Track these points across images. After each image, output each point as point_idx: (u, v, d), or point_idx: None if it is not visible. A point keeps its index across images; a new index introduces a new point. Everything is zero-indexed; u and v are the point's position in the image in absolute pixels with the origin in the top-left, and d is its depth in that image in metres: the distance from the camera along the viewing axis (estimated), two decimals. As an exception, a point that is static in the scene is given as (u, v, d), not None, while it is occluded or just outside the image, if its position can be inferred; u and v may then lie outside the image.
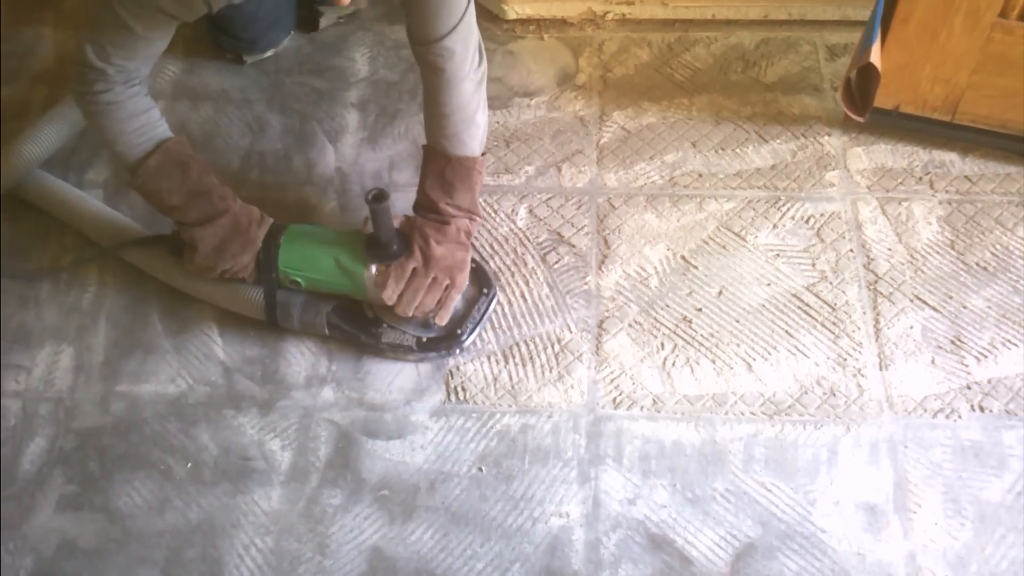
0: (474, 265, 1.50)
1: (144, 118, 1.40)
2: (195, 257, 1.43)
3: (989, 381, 1.41)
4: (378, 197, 1.33)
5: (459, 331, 1.47)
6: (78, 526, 1.36)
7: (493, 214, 1.63)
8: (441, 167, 1.45)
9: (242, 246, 1.43)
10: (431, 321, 1.44)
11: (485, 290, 1.51)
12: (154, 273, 1.56)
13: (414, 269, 1.41)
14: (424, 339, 1.47)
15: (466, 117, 1.43)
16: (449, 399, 1.44)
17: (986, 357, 1.43)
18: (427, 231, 1.42)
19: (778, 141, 1.69)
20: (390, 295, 1.40)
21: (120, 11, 1.26)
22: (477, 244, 1.59)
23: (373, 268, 1.42)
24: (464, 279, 1.45)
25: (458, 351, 1.47)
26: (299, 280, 1.45)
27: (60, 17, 1.96)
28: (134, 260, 1.58)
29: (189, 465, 1.40)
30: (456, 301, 1.46)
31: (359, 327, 1.48)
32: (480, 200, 1.60)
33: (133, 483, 1.39)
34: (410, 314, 1.42)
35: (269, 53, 1.85)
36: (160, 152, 1.40)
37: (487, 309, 1.50)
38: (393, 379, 1.46)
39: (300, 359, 1.49)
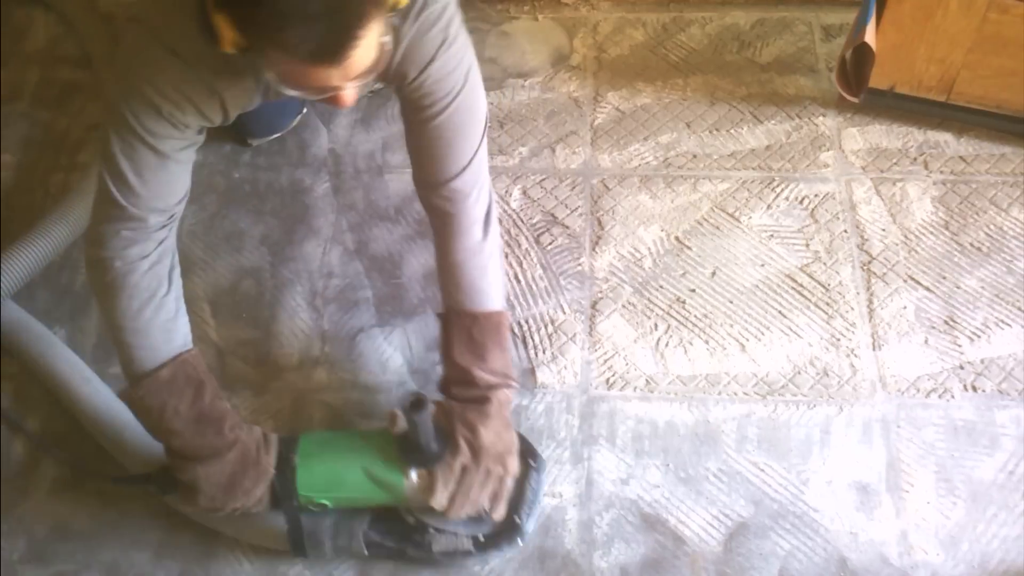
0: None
1: (176, 315, 1.20)
2: (198, 499, 1.20)
3: (982, 361, 1.41)
4: (416, 405, 1.14)
5: (516, 517, 1.27)
6: (72, 508, 1.36)
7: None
8: (467, 327, 1.25)
9: (254, 480, 1.21)
10: (484, 516, 1.24)
11: (532, 462, 1.30)
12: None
13: (463, 466, 1.20)
14: (481, 538, 1.26)
15: (480, 263, 1.26)
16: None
17: (979, 337, 1.43)
18: (470, 418, 1.21)
19: (773, 122, 1.68)
20: (440, 501, 1.20)
21: (143, 135, 1.09)
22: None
23: (413, 474, 1.21)
24: (516, 463, 1.24)
25: (520, 540, 1.27)
26: (325, 502, 1.24)
27: (51, -1, 1.95)
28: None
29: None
30: (509, 490, 1.25)
31: (403, 539, 1.27)
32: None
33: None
34: (464, 515, 1.22)
35: (275, 136, 1.71)
36: (176, 363, 1.19)
37: (540, 484, 1.31)
38: (387, 361, 1.46)
39: (293, 341, 1.49)
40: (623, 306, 1.49)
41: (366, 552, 1.27)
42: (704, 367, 1.43)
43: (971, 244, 1.52)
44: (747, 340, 1.45)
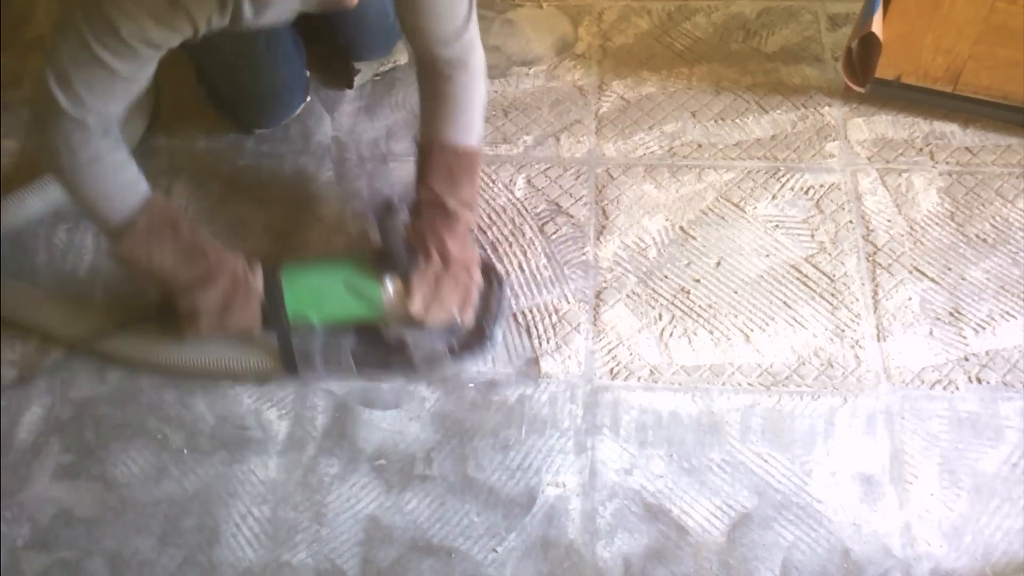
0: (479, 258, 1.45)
1: (126, 174, 1.27)
2: (199, 323, 1.30)
3: (987, 353, 1.41)
4: (387, 209, 1.26)
5: (484, 326, 1.41)
6: (75, 495, 1.36)
7: (491, 184, 1.62)
8: (449, 162, 1.37)
9: (246, 299, 1.31)
10: (456, 324, 1.37)
11: (494, 278, 1.46)
12: (146, 361, 1.42)
13: (435, 274, 1.34)
14: (455, 346, 1.41)
15: (473, 103, 1.39)
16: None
17: (984, 329, 1.43)
18: (440, 232, 1.34)
19: (778, 111, 1.68)
20: (418, 307, 1.33)
21: (99, 51, 1.11)
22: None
23: (389, 283, 1.33)
24: (479, 274, 1.40)
25: (491, 347, 1.42)
26: (311, 318, 1.35)
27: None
28: (114, 354, 1.44)
29: (185, 452, 1.39)
30: (476, 298, 1.40)
31: (386, 352, 1.40)
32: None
33: (130, 452, 1.39)
34: (440, 320, 1.35)
35: (279, 123, 1.70)
36: (147, 211, 1.27)
37: (503, 297, 1.45)
38: (390, 349, 1.46)
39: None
40: (627, 296, 1.49)
41: (355, 368, 1.38)
42: (708, 357, 1.42)
43: (976, 235, 1.52)
44: (751, 330, 1.44)
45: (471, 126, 1.40)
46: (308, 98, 1.71)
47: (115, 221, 1.26)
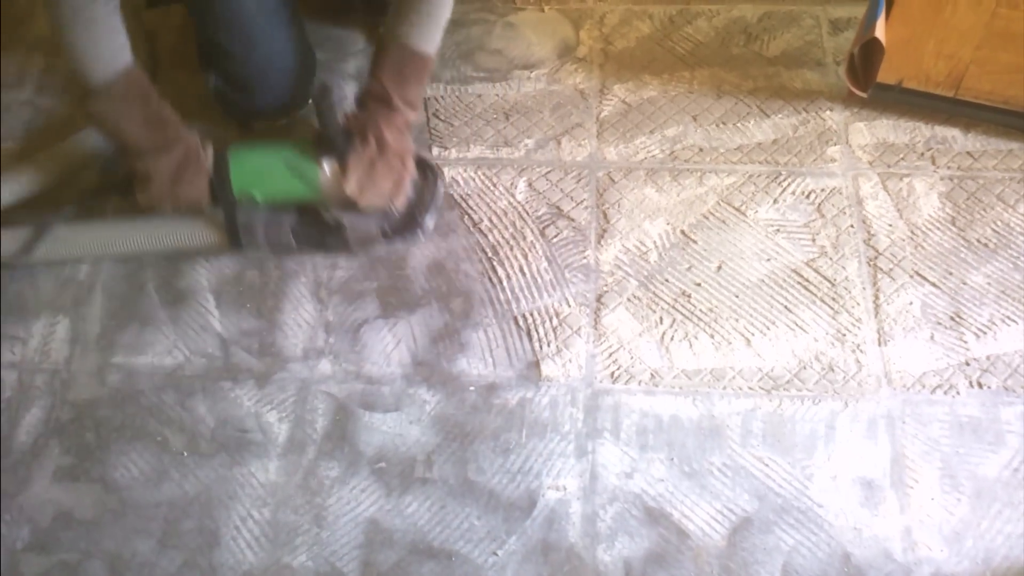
0: (416, 152, 1.54)
1: (115, 41, 1.36)
2: (151, 188, 1.43)
3: (988, 357, 1.40)
4: (323, 92, 1.37)
5: (416, 215, 1.53)
6: (75, 497, 1.36)
7: (492, 187, 1.62)
8: (401, 61, 1.46)
9: (196, 171, 1.44)
10: (389, 208, 1.49)
11: (430, 174, 1.56)
12: (104, 247, 1.52)
13: (370, 158, 1.45)
14: (387, 229, 1.52)
15: (439, 18, 1.46)
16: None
17: (985, 334, 1.43)
18: (379, 121, 1.45)
19: (780, 116, 1.68)
20: (353, 187, 1.44)
21: None
22: (475, 216, 1.58)
23: (326, 164, 1.45)
24: (413, 165, 1.49)
25: (421, 234, 1.54)
26: (255, 195, 1.47)
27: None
28: (77, 246, 1.52)
29: (185, 454, 1.39)
30: (408, 185, 1.50)
31: (323, 231, 1.51)
32: (478, 173, 1.61)
33: (130, 454, 1.39)
34: (374, 202, 1.47)
35: (283, 122, 1.72)
36: (125, 78, 1.37)
37: (436, 190, 1.55)
38: (391, 352, 1.46)
39: (297, 331, 1.48)
40: (628, 299, 1.49)
41: (294, 244, 1.50)
42: (709, 361, 1.42)
43: (978, 240, 1.52)
44: (752, 335, 1.44)
45: (431, 36, 1.47)
46: (310, 101, 1.69)
47: (96, 81, 1.36)
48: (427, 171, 1.55)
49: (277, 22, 1.58)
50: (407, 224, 1.53)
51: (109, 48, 1.36)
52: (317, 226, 1.50)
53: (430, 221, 1.54)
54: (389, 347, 1.47)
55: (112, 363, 1.47)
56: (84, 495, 1.36)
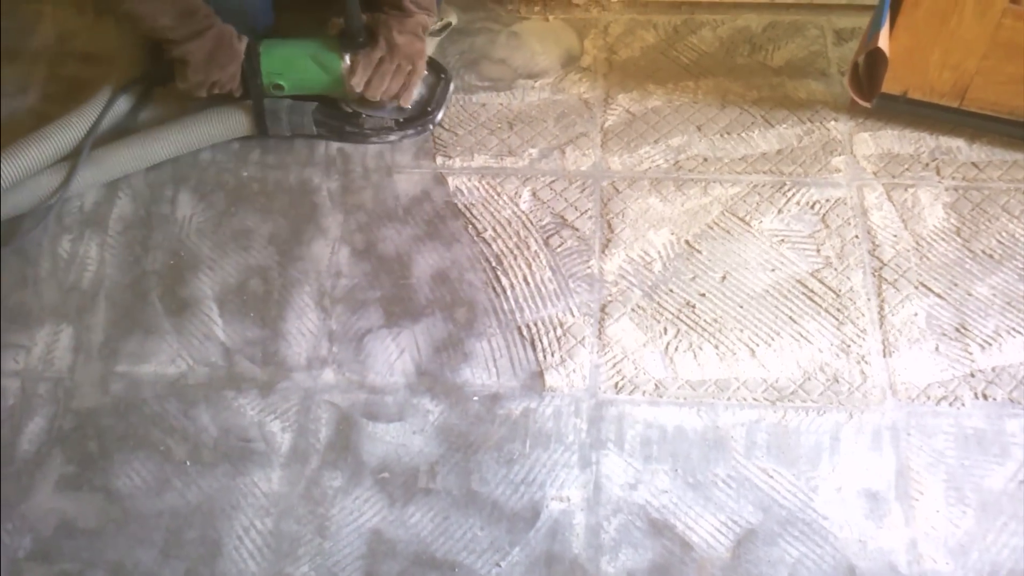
0: (431, 56, 1.70)
1: None
2: (187, 72, 1.55)
3: (993, 369, 1.40)
4: None
5: (429, 109, 1.68)
6: (77, 506, 1.35)
7: (496, 196, 1.62)
8: None
9: (228, 56, 1.56)
10: (399, 103, 1.63)
11: (442, 75, 1.71)
12: (139, 159, 1.62)
13: (380, 57, 1.58)
14: (401, 120, 1.66)
15: None
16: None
17: (990, 345, 1.42)
18: (390, 23, 1.58)
19: (784, 126, 1.68)
20: (358, 81, 1.58)
21: None
22: (479, 226, 1.58)
23: (347, 59, 1.59)
24: (423, 66, 1.63)
25: (431, 126, 1.68)
26: (282, 84, 1.61)
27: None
28: (114, 165, 1.62)
29: (188, 464, 1.38)
30: (418, 86, 1.65)
31: (342, 120, 1.66)
32: (482, 183, 1.61)
33: (132, 464, 1.38)
34: (378, 97, 1.60)
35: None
36: None
37: (448, 90, 1.71)
38: (394, 361, 1.46)
39: (301, 340, 1.48)
40: (632, 310, 1.49)
41: (315, 130, 1.65)
42: (714, 372, 1.42)
43: (983, 251, 1.51)
44: (757, 345, 1.44)
45: None
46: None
47: None
48: (439, 72, 1.71)
49: None
50: (418, 117, 1.67)
51: None
52: (337, 116, 1.66)
53: (438, 115, 1.69)
54: (393, 357, 1.46)
55: (115, 372, 1.47)
56: (87, 504, 1.36)
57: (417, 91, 1.66)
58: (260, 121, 1.64)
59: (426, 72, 1.67)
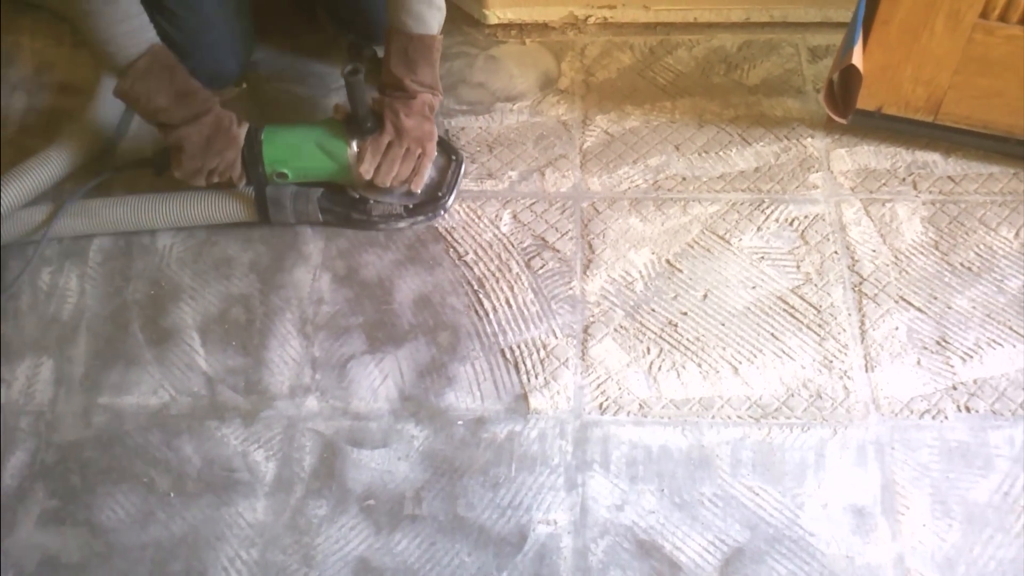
0: (441, 137, 1.63)
1: (136, 21, 1.43)
2: (183, 158, 1.49)
3: (975, 381, 1.41)
4: (353, 71, 1.43)
5: (440, 194, 1.60)
6: (60, 541, 1.34)
7: (477, 220, 1.62)
8: (404, 46, 1.52)
9: (226, 142, 1.51)
10: (409, 189, 1.56)
11: (453, 157, 1.64)
12: (135, 221, 1.58)
13: (389, 142, 1.53)
14: (411, 206, 1.59)
15: None
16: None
17: (971, 357, 1.43)
18: (396, 106, 1.53)
19: (761, 143, 1.69)
20: (367, 168, 1.52)
21: None
22: (461, 249, 1.58)
23: (354, 145, 1.53)
24: (433, 148, 1.57)
25: (443, 212, 1.61)
26: (286, 172, 1.55)
27: (37, 26, 1.94)
28: (108, 220, 1.59)
29: (172, 495, 1.37)
30: (429, 169, 1.58)
31: (349, 207, 1.59)
32: (463, 206, 1.61)
33: (116, 496, 1.37)
34: (388, 184, 1.54)
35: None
36: (149, 54, 1.44)
37: (459, 173, 1.63)
38: (378, 387, 1.45)
39: (283, 368, 1.48)
40: (615, 330, 1.49)
41: (320, 217, 1.58)
42: (697, 391, 1.42)
43: (961, 264, 1.52)
44: (740, 363, 1.44)
45: (425, 15, 1.51)
46: (244, 85, 1.82)
47: (120, 61, 1.43)
48: (450, 153, 1.64)
49: (225, 10, 1.67)
50: (429, 203, 1.60)
51: (131, 27, 1.42)
52: (343, 202, 1.59)
53: (450, 200, 1.61)
54: (376, 382, 1.46)
55: (97, 404, 1.46)
56: (70, 539, 1.34)
57: (427, 174, 1.59)
58: (262, 209, 1.57)
59: (436, 154, 1.60)
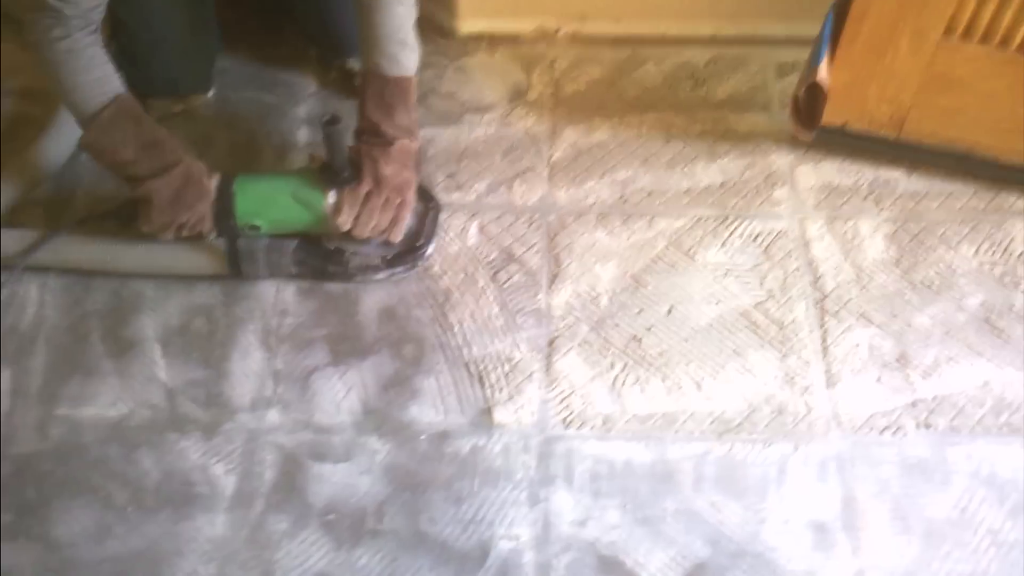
0: (418, 183, 1.55)
1: (100, 71, 1.38)
2: (151, 212, 1.43)
3: (934, 398, 1.42)
4: (331, 121, 1.38)
5: (418, 244, 1.54)
6: (14, 556, 1.32)
7: (444, 232, 1.61)
8: (380, 89, 1.46)
9: (197, 195, 1.44)
10: (388, 239, 1.50)
11: (430, 204, 1.58)
12: (100, 263, 1.54)
13: (367, 192, 1.46)
14: (389, 257, 1.53)
15: (401, 38, 1.45)
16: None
17: (931, 374, 1.44)
18: (375, 154, 1.46)
19: (727, 159, 1.70)
20: (345, 219, 1.45)
21: None
22: (426, 261, 1.58)
23: (331, 195, 1.46)
24: (412, 197, 1.50)
25: (421, 262, 1.55)
26: (259, 224, 1.47)
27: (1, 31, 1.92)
28: (73, 258, 1.54)
29: (130, 509, 1.35)
30: (407, 218, 1.51)
31: (325, 259, 1.53)
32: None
33: (72, 510, 1.35)
34: (367, 235, 1.47)
35: (178, 108, 1.77)
36: (114, 105, 1.39)
37: (437, 220, 1.58)
38: (341, 400, 1.44)
39: (245, 381, 1.46)
40: (580, 344, 1.49)
41: (294, 269, 1.52)
42: (661, 405, 1.42)
43: (921, 282, 1.54)
44: (703, 378, 1.45)
45: (399, 56, 1.45)
46: (212, 90, 1.79)
47: (85, 112, 1.39)
48: (427, 200, 1.58)
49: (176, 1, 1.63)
50: (407, 253, 1.54)
51: (95, 77, 1.38)
52: (319, 254, 1.53)
53: (429, 249, 1.56)
54: (339, 395, 1.45)
55: (55, 415, 1.44)
56: (24, 554, 1.32)
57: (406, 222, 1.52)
58: (234, 262, 1.50)
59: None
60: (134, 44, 1.65)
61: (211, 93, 1.81)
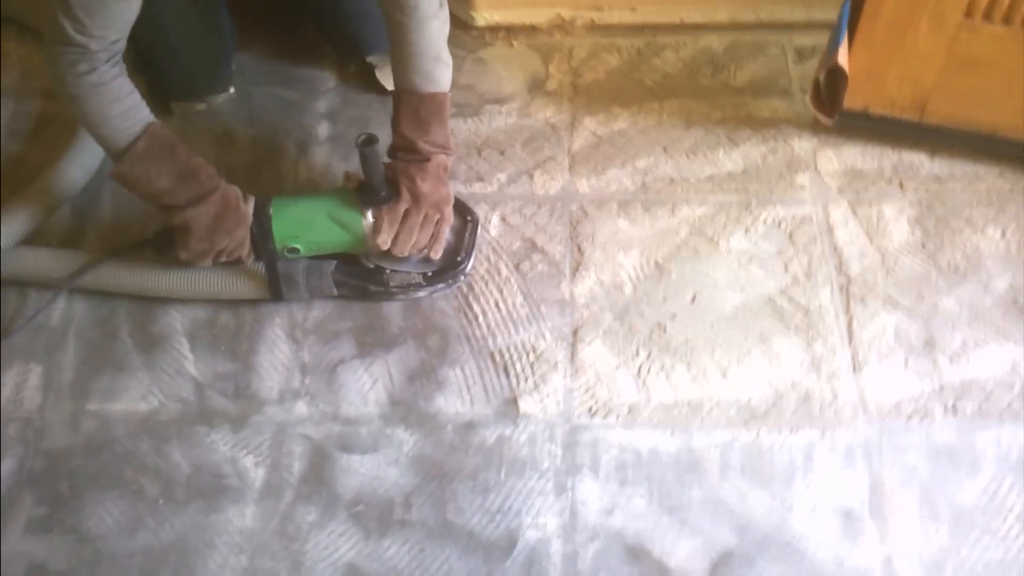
0: (455, 198, 1.54)
1: (129, 101, 1.36)
2: (190, 241, 1.41)
3: (962, 383, 1.41)
4: (368, 141, 1.37)
5: (459, 259, 1.53)
6: (48, 549, 1.34)
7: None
8: (415, 106, 1.46)
9: (235, 221, 1.42)
10: (428, 256, 1.49)
11: (468, 218, 1.56)
12: (139, 289, 1.52)
13: (406, 210, 1.45)
14: (429, 273, 1.52)
15: (436, 54, 1.45)
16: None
17: (959, 358, 1.43)
18: (411, 171, 1.45)
19: (748, 144, 1.69)
20: (385, 239, 1.44)
21: None
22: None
23: (369, 215, 1.45)
24: (451, 212, 1.50)
25: (463, 277, 1.54)
26: (298, 247, 1.46)
27: (23, 32, 1.93)
28: (113, 283, 1.53)
29: (161, 502, 1.37)
30: (447, 234, 1.50)
31: (365, 278, 1.51)
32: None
33: (104, 503, 1.37)
34: (407, 253, 1.46)
35: (201, 106, 1.79)
36: (147, 135, 1.37)
37: (476, 234, 1.56)
38: (367, 392, 1.45)
39: (273, 373, 1.47)
40: (604, 333, 1.49)
41: (335, 291, 1.51)
42: (686, 393, 1.42)
43: (948, 264, 1.53)
44: (728, 365, 1.45)
45: (433, 73, 1.46)
46: (231, 89, 1.80)
47: (117, 144, 1.37)
48: (465, 215, 1.57)
49: (210, 23, 1.66)
50: (448, 269, 1.52)
51: (124, 108, 1.36)
52: (358, 274, 1.51)
53: (469, 264, 1.54)
54: (366, 387, 1.46)
55: (86, 410, 1.45)
56: (58, 546, 1.34)
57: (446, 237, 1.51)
58: (274, 286, 1.49)
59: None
60: (151, 51, 1.66)
61: (231, 91, 1.82)
